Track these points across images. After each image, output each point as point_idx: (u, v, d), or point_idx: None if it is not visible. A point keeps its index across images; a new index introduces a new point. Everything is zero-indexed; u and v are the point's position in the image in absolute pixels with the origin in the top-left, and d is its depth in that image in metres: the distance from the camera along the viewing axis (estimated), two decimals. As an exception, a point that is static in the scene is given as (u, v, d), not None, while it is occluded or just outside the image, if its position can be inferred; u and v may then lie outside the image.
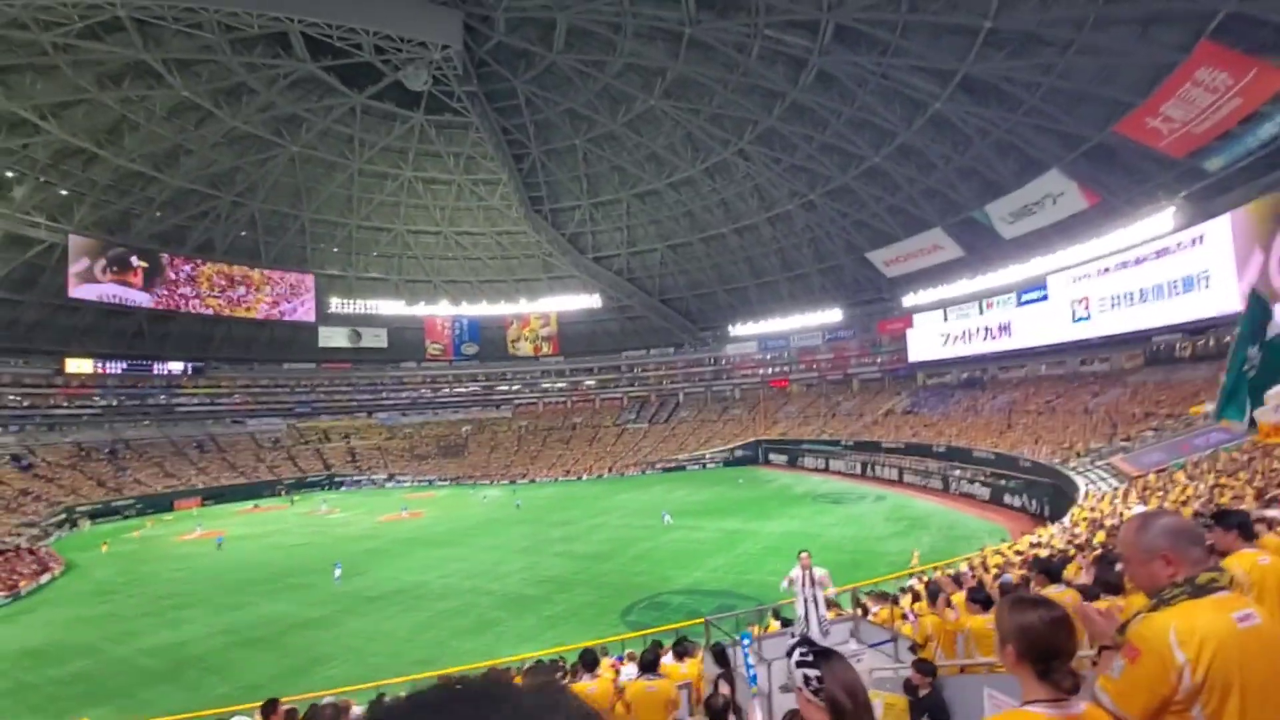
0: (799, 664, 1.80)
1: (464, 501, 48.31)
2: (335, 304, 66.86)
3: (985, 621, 5.72)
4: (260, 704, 7.41)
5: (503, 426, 73.63)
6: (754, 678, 5.84)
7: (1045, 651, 1.69)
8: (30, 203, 44.05)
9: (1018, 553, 14.92)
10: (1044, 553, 13.00)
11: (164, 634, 20.69)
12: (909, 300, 53.98)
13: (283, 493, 56.13)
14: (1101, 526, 13.95)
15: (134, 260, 51.85)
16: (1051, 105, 32.33)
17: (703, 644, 10.06)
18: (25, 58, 34.31)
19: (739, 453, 58.67)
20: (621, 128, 48.64)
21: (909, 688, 5.28)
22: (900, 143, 39.95)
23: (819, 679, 1.74)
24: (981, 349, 48.92)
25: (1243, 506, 9.91)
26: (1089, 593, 5.71)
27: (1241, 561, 3.13)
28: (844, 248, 54.80)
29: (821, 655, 1.81)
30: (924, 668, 5.31)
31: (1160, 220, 33.79)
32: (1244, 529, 3.30)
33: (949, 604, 6.94)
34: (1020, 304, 45.00)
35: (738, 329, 68.31)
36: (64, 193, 44.98)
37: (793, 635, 8.11)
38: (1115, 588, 5.21)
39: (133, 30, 34.53)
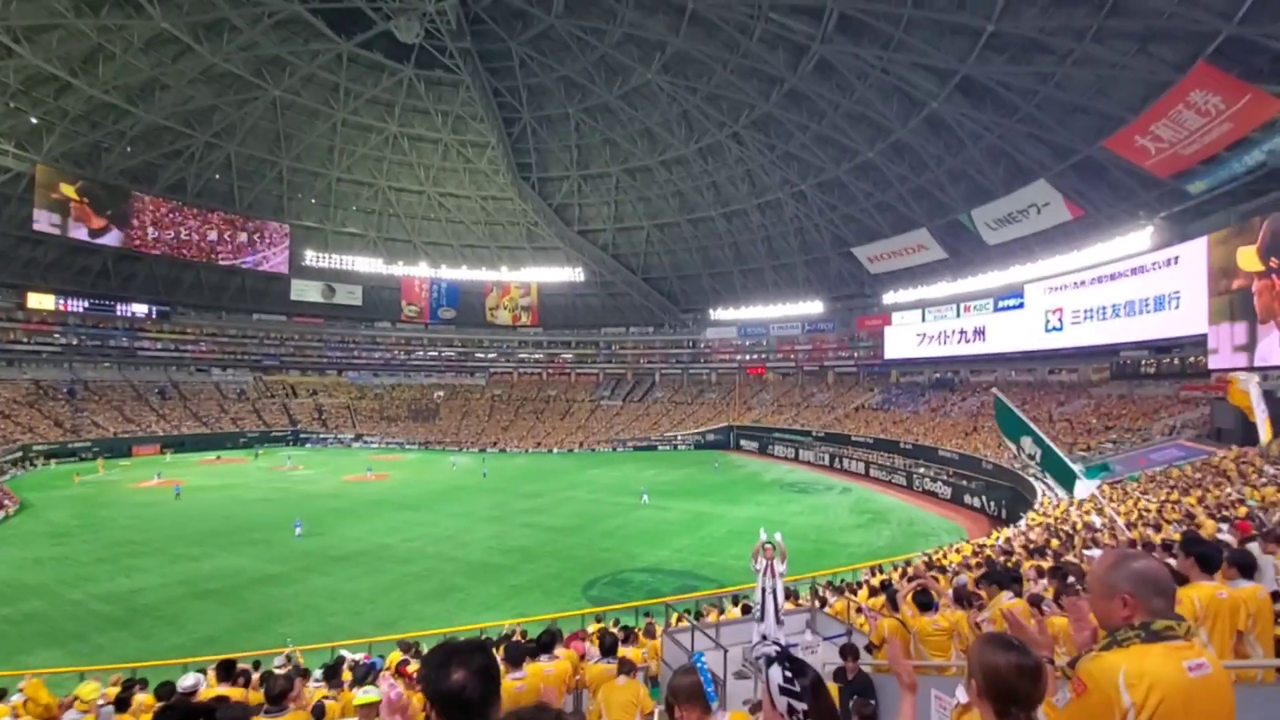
0: (783, 690, 1.79)
1: (433, 467, 48.07)
2: (310, 257, 65.20)
3: (930, 622, 5.94)
4: (216, 662, 7.34)
5: (476, 394, 73.15)
6: (712, 695, 5.91)
7: (1007, 696, 1.70)
8: (-4, 128, 42.13)
9: (974, 552, 15.29)
10: (997, 555, 13.34)
11: (119, 580, 20.36)
12: (889, 298, 54.53)
13: (244, 443, 55.30)
14: (1056, 534, 14.34)
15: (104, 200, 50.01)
16: (1045, 114, 32.54)
17: (660, 625, 10.19)
18: (-5, -27, 32.56)
19: (711, 436, 59.18)
20: (616, 100, 47.87)
21: (839, 674, 5.52)
22: (895, 140, 39.97)
23: (805, 714, 1.74)
24: (955, 351, 49.70)
25: (1193, 525, 10.26)
26: (1035, 600, 5.88)
27: (1200, 593, 3.21)
28: (830, 240, 54.97)
29: (808, 686, 1.80)
30: (849, 652, 5.75)
31: (1138, 238, 34.41)
32: (1204, 560, 3.37)
33: (906, 600, 7.09)
34: (996, 310, 45.69)
35: (719, 314, 68.47)
36: (34, 120, 42.98)
37: (758, 622, 8.20)
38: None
39: (111, -47, 32.91)
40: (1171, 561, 4.93)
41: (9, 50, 36.76)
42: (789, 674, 1.83)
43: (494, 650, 1.73)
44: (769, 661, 1.90)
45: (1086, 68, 28.85)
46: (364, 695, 4.52)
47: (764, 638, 5.00)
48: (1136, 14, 25.62)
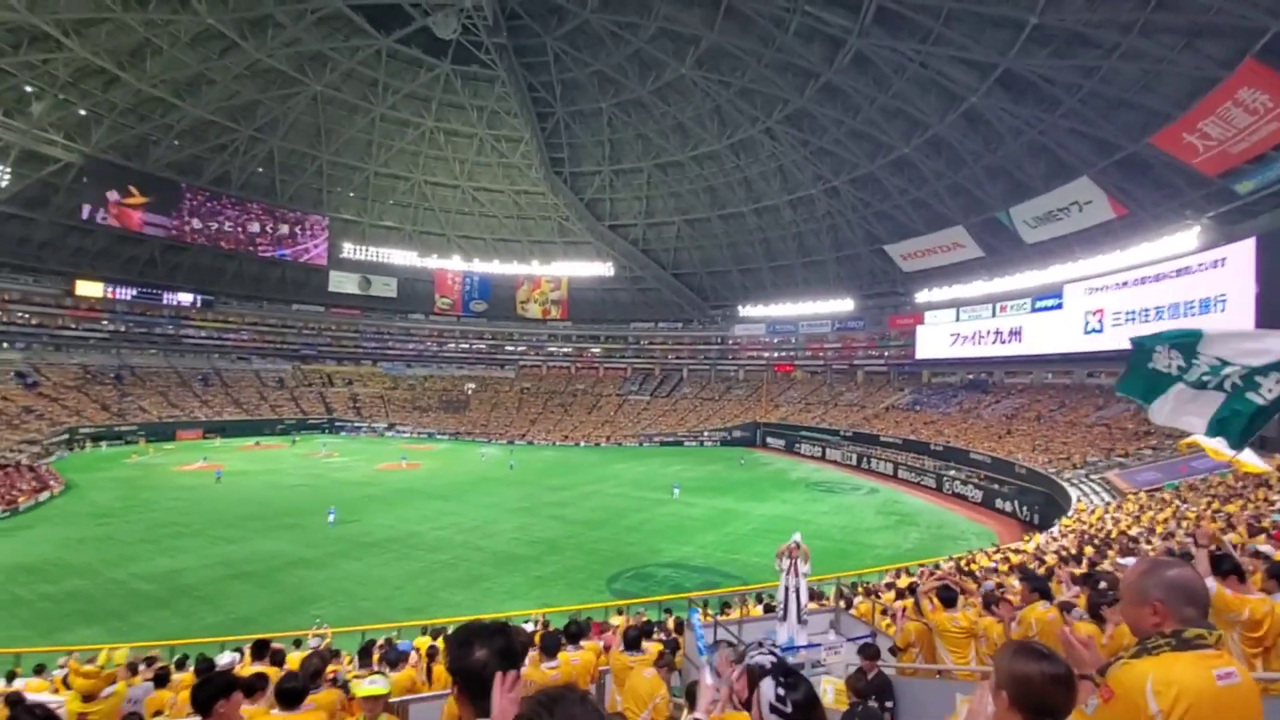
0: (773, 709, 1.74)
1: (462, 457, 48.80)
2: (348, 249, 66.65)
3: (949, 619, 5.90)
4: (251, 641, 7.64)
5: (505, 386, 73.98)
6: (703, 648, 5.99)
7: (1039, 707, 1.66)
8: (48, 120, 43.66)
9: (1004, 559, 15.05)
10: (1029, 561, 13.11)
11: (160, 561, 21.14)
12: (922, 296, 53.61)
13: (280, 431, 56.84)
14: (1091, 541, 14.02)
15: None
16: (1089, 109, 31.60)
17: (685, 620, 10.25)
18: (51, -30, 33.76)
19: (737, 433, 58.96)
20: (650, 95, 47.82)
21: (857, 674, 5.47)
22: (931, 135, 39.20)
23: None
24: (990, 352, 48.63)
25: (1231, 535, 9.95)
26: (1066, 607, 5.78)
27: (1252, 605, 3.19)
28: (863, 237, 54.22)
29: (800, 703, 1.76)
30: (868, 651, 5.60)
31: (1184, 238, 33.24)
32: (1240, 572, 3.34)
33: (928, 594, 7.03)
34: (1034, 310, 44.59)
35: (747, 310, 68.07)
36: (82, 112, 44.52)
37: (781, 621, 8.20)
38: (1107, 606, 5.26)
39: (161, -48, 33.90)
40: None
41: (59, 43, 38.00)
42: (780, 691, 1.79)
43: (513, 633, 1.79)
44: (762, 671, 1.86)
45: (1132, 62, 27.96)
46: (370, 686, 4.17)
47: (759, 644, 4.93)
48: (1184, 9, 24.81)
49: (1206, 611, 1.94)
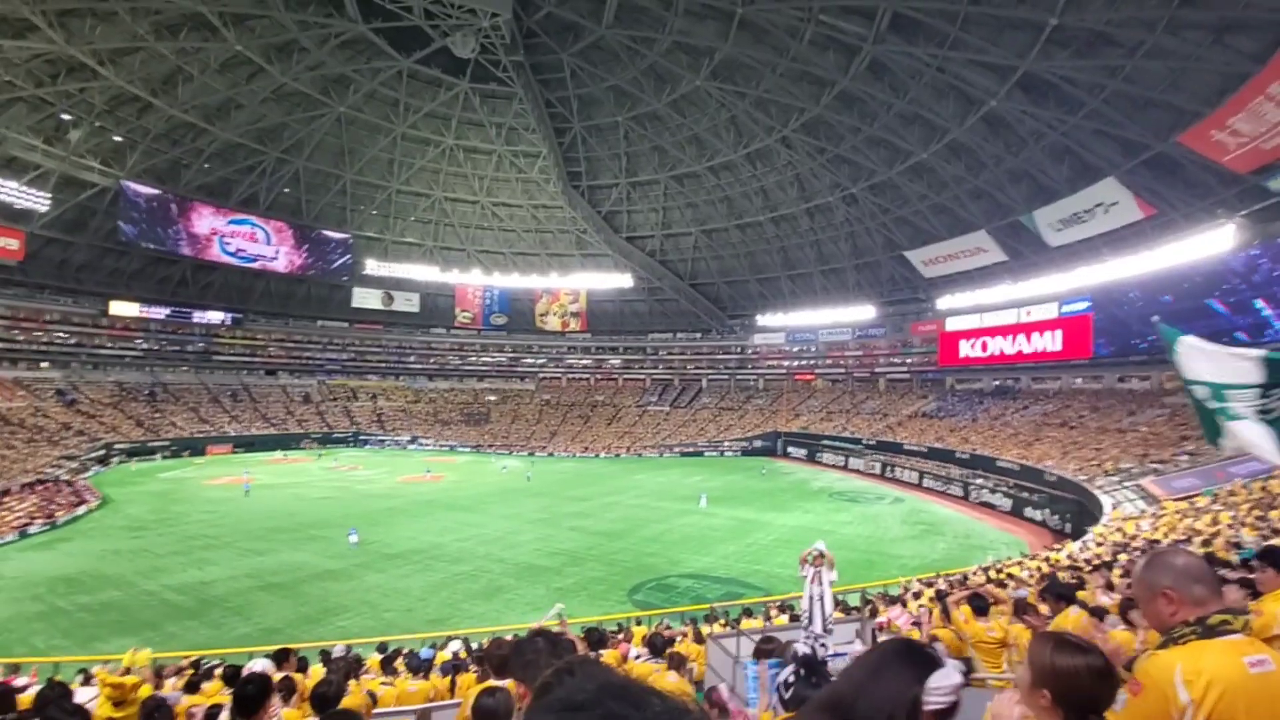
0: (778, 691, 1.71)
1: (483, 469, 49.07)
2: (371, 266, 67.91)
3: (985, 629, 5.74)
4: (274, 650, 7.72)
5: (525, 399, 74.39)
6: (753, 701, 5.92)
7: (1084, 703, 1.58)
8: (85, 146, 45.24)
9: (1038, 568, 14.71)
10: (1062, 573, 12.79)
11: (191, 572, 21.50)
12: (944, 302, 52.95)
13: (306, 445, 57.65)
14: (1125, 549, 13.65)
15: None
16: (1114, 110, 31.12)
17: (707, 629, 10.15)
18: (86, 2, 35.00)
19: (758, 443, 58.52)
20: (665, 107, 48.14)
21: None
22: (950, 140, 38.88)
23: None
24: (1016, 357, 47.83)
25: (1277, 540, 9.63)
26: (1099, 613, 5.64)
27: None
28: (882, 244, 53.80)
29: (796, 704, 1.69)
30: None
31: (1218, 237, 32.46)
32: None
33: (959, 605, 6.86)
34: (1061, 314, 43.79)
35: (766, 319, 67.78)
36: (118, 139, 46.09)
37: (806, 634, 8.08)
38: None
39: (191, -19, 35.08)
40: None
41: (95, 72, 39.42)
42: (790, 679, 1.72)
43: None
44: (792, 657, 1.80)
45: (1158, 60, 27.51)
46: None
47: (815, 636, 4.76)
48: (1212, 4, 24.46)
49: (1217, 589, 1.87)
